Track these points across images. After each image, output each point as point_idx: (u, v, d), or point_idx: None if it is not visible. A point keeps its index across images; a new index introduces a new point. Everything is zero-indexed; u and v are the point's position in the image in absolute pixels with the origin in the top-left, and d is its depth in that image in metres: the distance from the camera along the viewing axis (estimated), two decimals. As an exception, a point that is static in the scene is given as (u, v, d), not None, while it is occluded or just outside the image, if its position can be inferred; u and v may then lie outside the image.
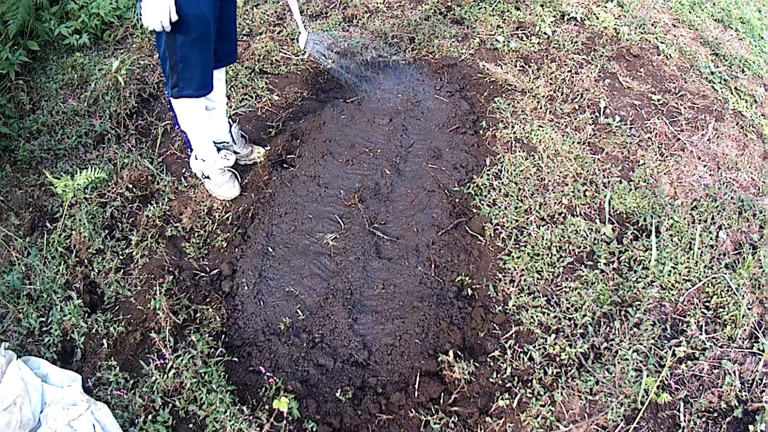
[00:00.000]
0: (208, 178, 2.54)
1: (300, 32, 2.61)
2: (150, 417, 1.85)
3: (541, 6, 3.88)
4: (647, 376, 1.96)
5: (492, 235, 2.47)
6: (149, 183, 2.61)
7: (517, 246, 2.42)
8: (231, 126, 2.66)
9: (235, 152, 2.69)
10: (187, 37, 2.02)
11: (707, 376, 2.06)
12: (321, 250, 2.37)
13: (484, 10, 3.79)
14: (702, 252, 2.44)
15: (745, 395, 2.02)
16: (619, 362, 2.03)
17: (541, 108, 3.10)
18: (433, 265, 2.34)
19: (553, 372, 2.01)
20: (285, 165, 2.74)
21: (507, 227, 2.49)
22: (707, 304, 2.28)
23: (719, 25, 4.19)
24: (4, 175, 2.64)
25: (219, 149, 2.62)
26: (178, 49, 2.05)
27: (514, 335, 2.14)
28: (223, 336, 2.10)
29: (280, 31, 3.56)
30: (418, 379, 1.99)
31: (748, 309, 2.26)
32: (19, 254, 2.28)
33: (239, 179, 2.62)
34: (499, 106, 3.08)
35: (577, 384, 1.98)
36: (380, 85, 3.19)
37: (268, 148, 2.80)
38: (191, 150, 2.54)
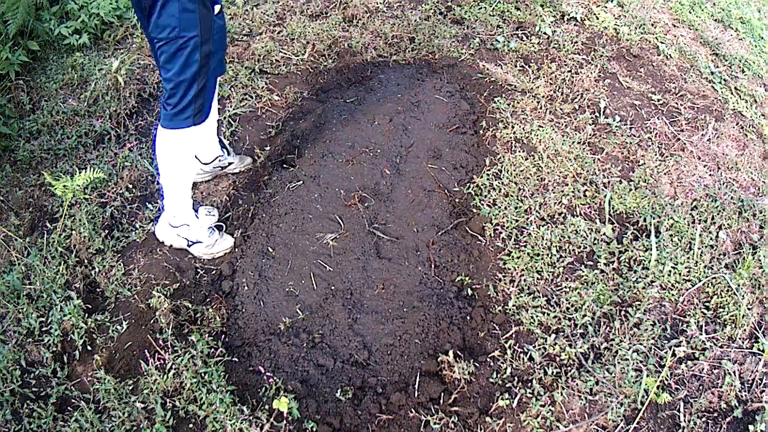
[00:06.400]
0: (198, 242, 2.26)
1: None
2: (150, 417, 1.85)
3: (541, 6, 3.88)
4: (647, 376, 1.96)
5: (492, 235, 2.47)
6: (149, 183, 2.61)
7: (517, 246, 2.42)
8: (221, 141, 2.54)
9: (230, 163, 2.60)
10: (218, 50, 1.86)
11: (707, 376, 2.06)
12: (321, 250, 2.37)
13: (484, 10, 3.79)
14: (702, 252, 2.44)
15: (745, 395, 2.02)
16: (619, 362, 2.03)
17: (541, 108, 3.10)
18: (433, 265, 2.34)
19: (553, 372, 2.01)
20: (285, 165, 2.73)
21: (507, 227, 2.49)
22: (707, 304, 2.28)
23: (719, 25, 4.19)
24: (4, 175, 2.64)
25: (197, 209, 2.34)
26: (210, 69, 1.85)
27: (514, 335, 2.14)
28: (223, 336, 2.10)
29: (280, 31, 3.56)
30: (418, 379, 1.99)
31: (748, 309, 2.26)
32: (19, 254, 2.28)
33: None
34: (499, 106, 3.08)
35: (577, 384, 1.98)
36: (380, 86, 3.19)
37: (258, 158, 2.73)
38: (160, 218, 2.28)
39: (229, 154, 2.61)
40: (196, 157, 2.46)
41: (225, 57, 2.23)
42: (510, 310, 2.21)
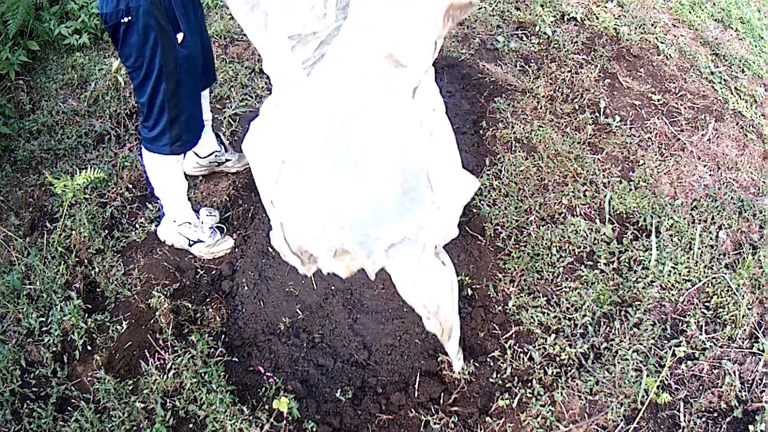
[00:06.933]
0: (199, 242, 2.30)
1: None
2: (150, 417, 1.85)
3: (541, 6, 3.88)
4: (647, 376, 1.96)
5: (492, 235, 2.47)
6: (149, 183, 2.61)
7: (517, 246, 2.42)
8: (219, 137, 2.57)
9: (227, 159, 2.60)
10: (189, 80, 1.87)
11: (707, 376, 2.06)
12: (321, 250, 2.37)
13: (484, 10, 3.79)
14: (702, 252, 2.44)
15: (745, 395, 2.02)
16: (619, 362, 2.03)
17: (541, 108, 3.10)
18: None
19: (553, 372, 2.01)
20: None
21: (507, 227, 2.49)
22: (707, 304, 2.28)
23: (719, 25, 4.18)
24: (4, 175, 2.64)
25: (197, 210, 2.38)
26: (182, 99, 1.88)
27: (514, 335, 2.14)
28: (223, 336, 2.10)
29: (280, 31, 3.56)
30: (418, 379, 1.99)
31: (748, 309, 2.26)
32: (19, 254, 2.28)
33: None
34: (499, 106, 3.08)
35: (577, 384, 1.98)
36: None
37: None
38: (162, 219, 2.33)
39: (226, 150, 2.61)
40: (193, 151, 2.47)
41: (213, 67, 2.26)
42: (510, 310, 2.21)
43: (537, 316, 2.17)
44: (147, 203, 2.51)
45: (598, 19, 3.82)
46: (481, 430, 1.89)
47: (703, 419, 1.94)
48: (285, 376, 1.99)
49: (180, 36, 1.78)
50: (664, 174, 2.82)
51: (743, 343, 2.17)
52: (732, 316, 2.23)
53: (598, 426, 1.90)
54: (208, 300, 2.21)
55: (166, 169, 2.07)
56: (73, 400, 1.90)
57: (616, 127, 3.03)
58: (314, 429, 1.84)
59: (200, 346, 2.00)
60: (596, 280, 2.30)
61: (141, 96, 1.87)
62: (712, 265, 2.42)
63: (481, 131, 2.96)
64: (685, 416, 1.94)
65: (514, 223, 2.50)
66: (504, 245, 2.43)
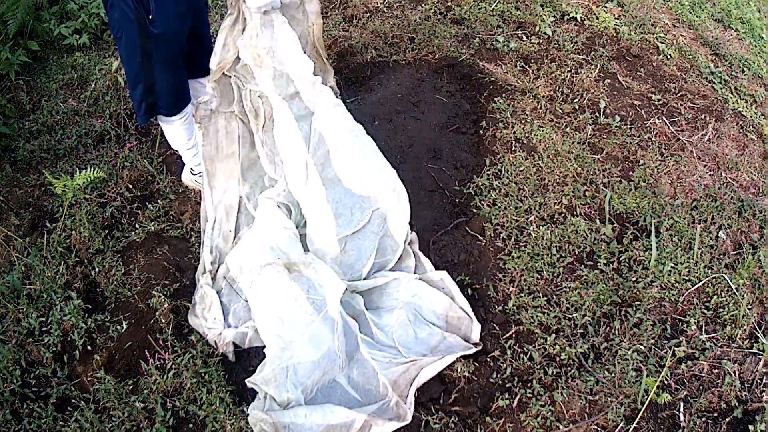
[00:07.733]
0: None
1: None
2: (150, 417, 1.85)
3: (541, 6, 3.88)
4: (647, 376, 1.96)
5: (492, 235, 2.47)
6: (149, 183, 2.61)
7: (517, 246, 2.42)
8: None
9: None
10: (162, 56, 2.05)
11: (707, 376, 2.06)
12: (321, 250, 2.37)
13: (484, 10, 3.79)
14: (702, 252, 2.44)
15: (745, 395, 2.02)
16: (619, 362, 2.03)
17: (541, 108, 3.10)
18: (433, 265, 2.33)
19: (553, 372, 2.01)
20: (285, 165, 2.73)
21: (507, 227, 2.49)
22: (707, 304, 2.28)
23: (719, 25, 4.19)
24: (4, 175, 2.64)
25: None
26: (156, 70, 2.07)
27: (514, 335, 2.14)
28: (223, 336, 2.10)
29: (280, 31, 3.56)
30: (418, 379, 1.99)
31: (748, 309, 2.26)
32: (19, 254, 2.28)
33: None
34: (499, 106, 3.08)
35: (577, 384, 1.98)
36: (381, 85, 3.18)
37: None
38: (184, 167, 2.54)
39: None
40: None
41: (201, 59, 2.33)
42: (510, 310, 2.21)
43: (537, 316, 2.17)
44: (147, 203, 2.51)
45: (598, 19, 3.82)
46: (481, 430, 1.89)
47: (703, 419, 1.94)
48: (285, 376, 1.99)
49: (150, 17, 2.01)
50: (664, 174, 2.82)
51: (743, 343, 2.17)
52: (732, 316, 2.23)
53: (598, 426, 1.90)
54: (208, 300, 2.21)
55: (170, 129, 2.32)
56: (73, 400, 1.90)
57: (616, 127, 3.03)
58: (314, 429, 1.83)
59: (200, 346, 2.00)
60: (596, 280, 2.30)
61: (123, 63, 2.14)
62: (712, 265, 2.42)
63: (481, 131, 2.96)
64: (685, 416, 1.94)
65: (514, 223, 2.50)
66: (504, 245, 2.43)
